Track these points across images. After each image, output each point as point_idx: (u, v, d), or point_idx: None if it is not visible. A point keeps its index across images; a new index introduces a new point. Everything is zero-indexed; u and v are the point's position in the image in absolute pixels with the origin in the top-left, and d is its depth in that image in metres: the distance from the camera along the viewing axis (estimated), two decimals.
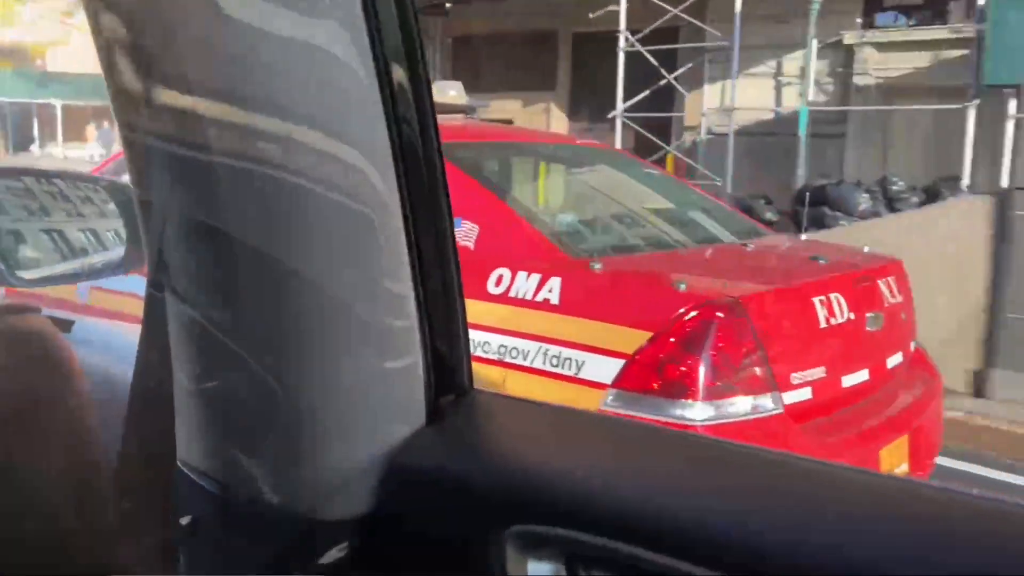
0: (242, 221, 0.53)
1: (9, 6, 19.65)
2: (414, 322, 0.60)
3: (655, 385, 1.98)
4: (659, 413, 1.97)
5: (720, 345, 2.01)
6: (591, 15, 14.25)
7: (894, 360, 2.62)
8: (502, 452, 0.61)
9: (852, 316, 2.36)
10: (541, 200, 3.35)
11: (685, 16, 11.56)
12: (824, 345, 2.33)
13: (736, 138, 11.62)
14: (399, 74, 0.56)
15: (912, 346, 2.84)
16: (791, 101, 11.94)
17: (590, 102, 15.81)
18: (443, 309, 0.62)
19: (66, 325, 0.54)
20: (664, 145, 12.60)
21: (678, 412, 1.96)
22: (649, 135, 12.49)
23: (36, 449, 0.54)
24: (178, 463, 0.61)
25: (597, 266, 2.26)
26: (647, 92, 12.53)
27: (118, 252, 1.04)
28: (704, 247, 2.94)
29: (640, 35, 12.13)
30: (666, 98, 12.92)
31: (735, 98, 11.47)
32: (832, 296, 2.25)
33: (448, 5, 15.93)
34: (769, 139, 11.41)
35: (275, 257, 0.54)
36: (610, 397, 2.06)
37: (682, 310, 2.02)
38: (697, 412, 1.97)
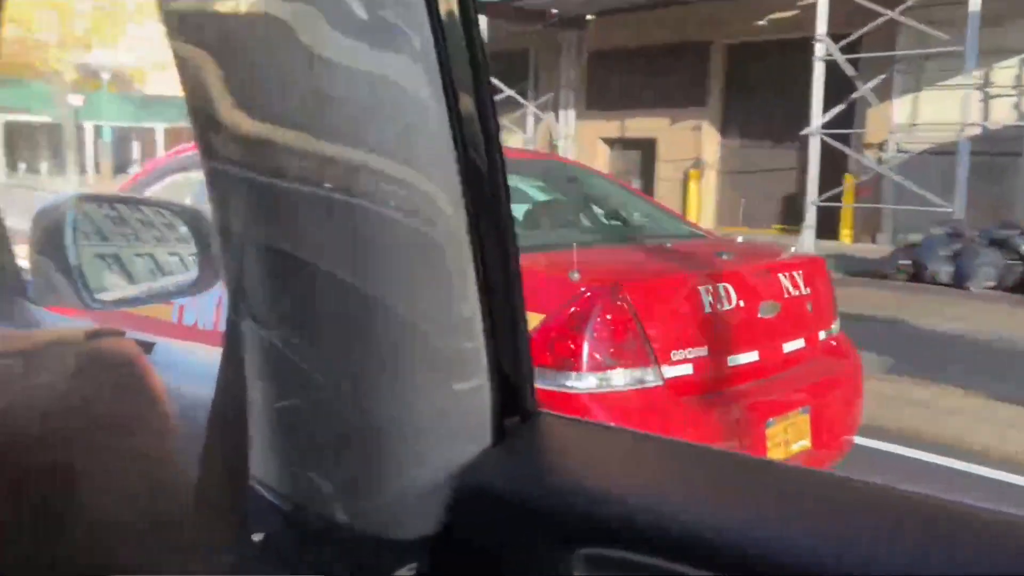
0: (317, 247, 0.60)
1: (112, 30, 21.76)
2: (481, 344, 0.66)
3: (548, 360, 2.50)
4: (551, 384, 2.49)
5: (602, 325, 2.54)
6: (759, 22, 14.12)
7: (793, 345, 3.14)
8: (568, 474, 0.67)
9: (742, 303, 2.93)
10: None
11: (903, 19, 11.10)
12: (708, 328, 2.83)
13: (930, 157, 11.12)
14: (466, 102, 0.64)
15: (824, 335, 3.36)
16: (1002, 115, 11.51)
17: (744, 119, 15.80)
18: (508, 331, 0.70)
19: (148, 347, 0.64)
20: (872, 163, 12.18)
21: (566, 383, 2.49)
22: (849, 151, 11.99)
23: (118, 471, 0.60)
24: (251, 481, 0.69)
25: None
26: (842, 106, 12.13)
27: (190, 274, 1.20)
28: (620, 246, 3.57)
29: (844, 41, 11.67)
30: (843, 114, 12.50)
31: (927, 113, 10.98)
32: (720, 286, 2.85)
33: (590, 17, 16.35)
34: (981, 158, 10.89)
35: (349, 282, 0.60)
36: None
37: (573, 297, 2.58)
38: (582, 383, 2.50)
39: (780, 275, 3.16)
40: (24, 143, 29.21)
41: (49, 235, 1.09)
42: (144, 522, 0.60)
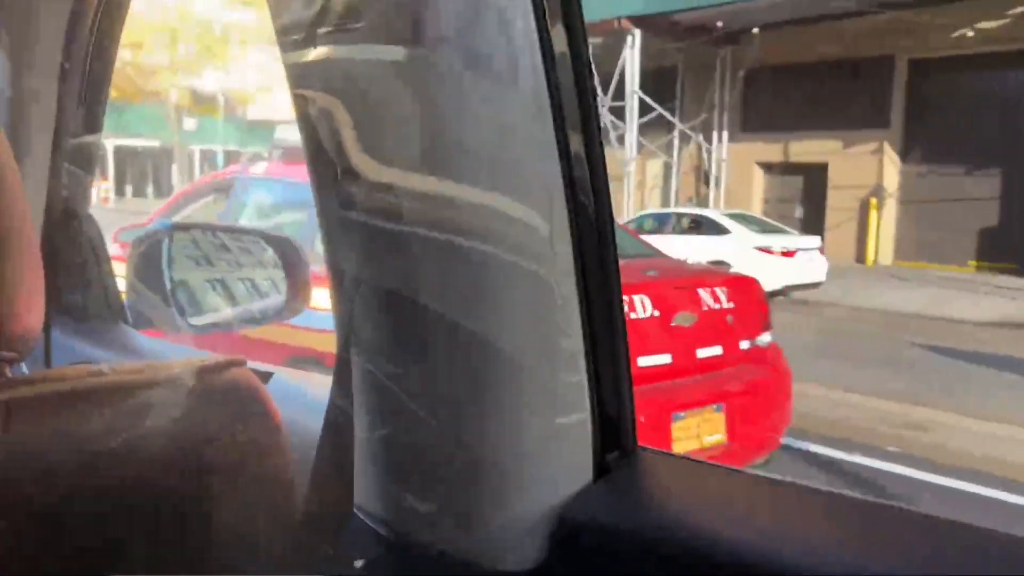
0: (427, 285, 0.68)
1: (222, 54, 23.01)
2: (584, 379, 0.73)
3: None
4: None
5: None
6: (956, 34, 13.57)
7: (708, 352, 3.99)
8: (671, 512, 0.72)
9: (656, 313, 3.80)
10: None
11: None
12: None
13: None
14: (576, 141, 0.72)
15: (747, 344, 4.15)
16: None
17: (931, 142, 15.10)
18: (610, 367, 0.75)
19: (266, 377, 0.74)
20: None
21: None
22: None
23: (233, 496, 0.67)
24: (355, 509, 0.79)
25: None
26: None
27: (278, 299, 1.37)
28: None
29: None
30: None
31: None
32: (636, 297, 3.72)
33: (755, 31, 16.15)
34: None
35: (456, 318, 0.68)
36: None
37: None
38: None
39: (700, 291, 4.06)
40: (133, 167, 31.22)
41: (145, 262, 1.28)
42: (254, 544, 0.68)
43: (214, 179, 6.81)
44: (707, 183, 19.09)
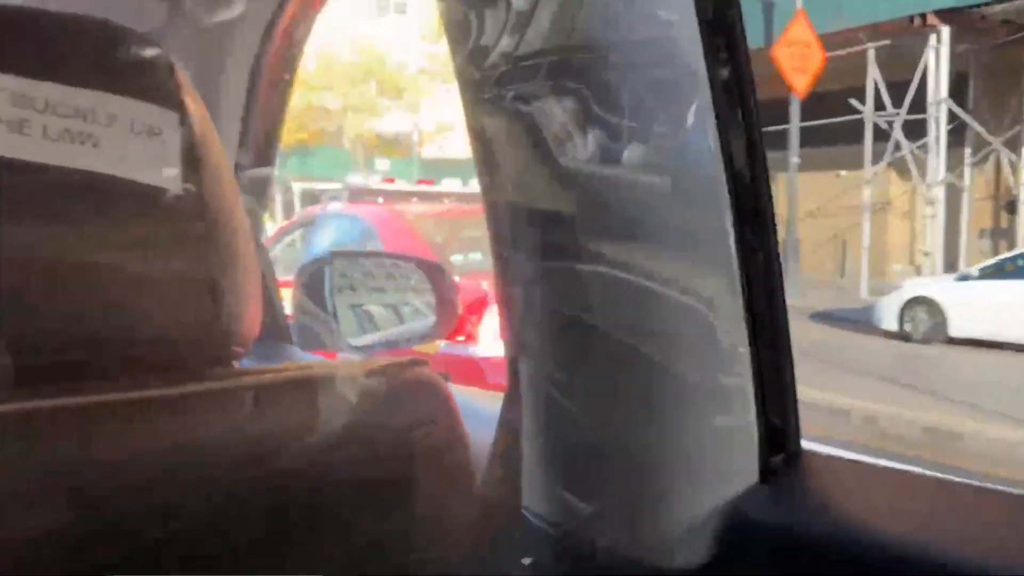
0: (592, 300, 0.73)
1: (403, 95, 23.77)
2: (748, 381, 0.75)
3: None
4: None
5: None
6: None
7: None
8: (841, 514, 0.72)
9: None
10: None
11: None
12: None
13: None
14: (738, 147, 0.74)
15: None
16: None
17: None
18: (774, 369, 0.77)
19: (446, 378, 0.80)
20: None
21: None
22: None
23: (412, 491, 0.71)
24: (522, 509, 0.83)
25: None
26: None
27: (429, 322, 1.49)
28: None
29: None
30: None
31: None
32: None
33: None
34: None
35: (620, 327, 0.72)
36: None
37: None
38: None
39: None
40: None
41: (310, 287, 1.42)
42: (431, 539, 0.73)
43: (304, 215, 8.13)
44: (1011, 211, 14.46)
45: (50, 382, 0.56)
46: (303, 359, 1.49)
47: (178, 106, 0.63)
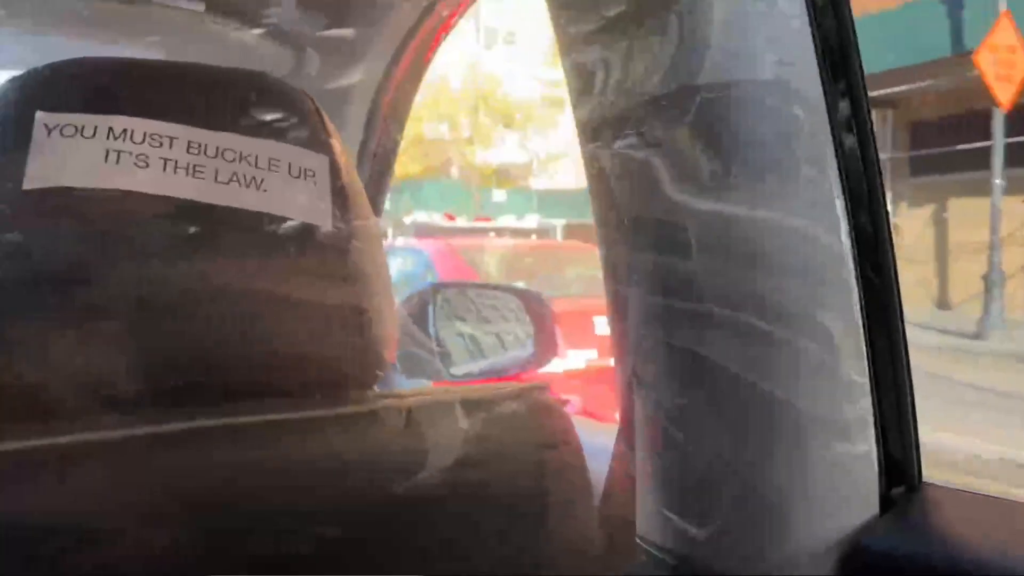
0: (714, 345, 0.76)
1: (518, 126, 23.76)
2: (868, 411, 0.75)
3: None
4: None
5: None
6: None
7: None
8: (964, 548, 0.72)
9: None
10: None
11: None
12: None
13: None
14: (863, 220, 0.75)
15: None
16: None
17: None
18: (894, 398, 0.78)
19: (564, 403, 0.82)
20: None
21: None
22: None
23: (535, 520, 0.72)
24: (636, 538, 0.82)
25: None
26: None
27: (528, 350, 1.51)
28: None
29: None
30: None
31: None
32: None
33: None
34: None
35: (739, 373, 0.73)
36: None
37: None
38: None
39: None
40: None
41: (414, 317, 1.49)
42: (550, 567, 0.72)
43: None
44: None
45: (211, 404, 0.60)
46: (404, 386, 1.55)
47: (328, 150, 0.69)
